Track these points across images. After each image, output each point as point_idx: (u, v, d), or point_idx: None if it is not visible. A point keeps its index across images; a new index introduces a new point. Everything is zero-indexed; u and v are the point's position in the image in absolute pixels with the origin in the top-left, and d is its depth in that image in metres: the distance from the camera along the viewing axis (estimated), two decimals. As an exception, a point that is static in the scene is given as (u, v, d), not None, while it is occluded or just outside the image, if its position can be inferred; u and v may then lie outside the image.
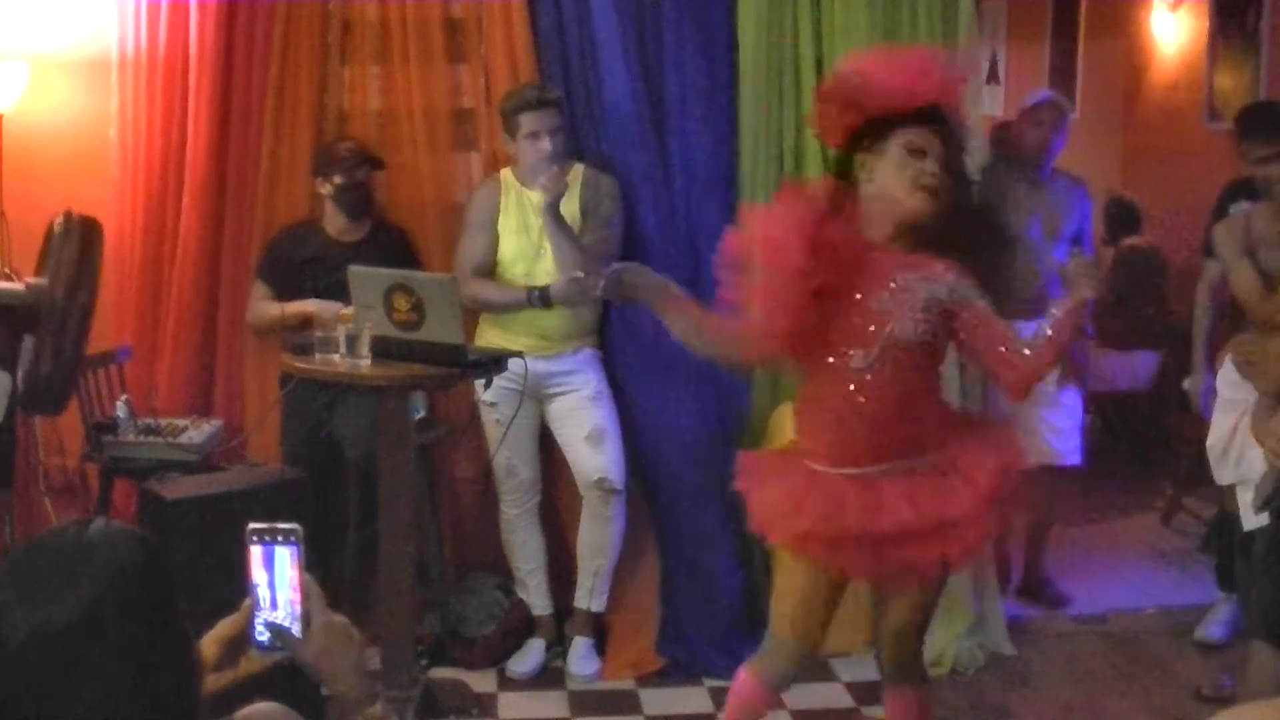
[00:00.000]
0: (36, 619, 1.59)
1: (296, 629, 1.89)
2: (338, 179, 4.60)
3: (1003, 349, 3.10)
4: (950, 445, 3.18)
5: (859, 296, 3.08)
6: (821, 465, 3.18)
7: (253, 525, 1.91)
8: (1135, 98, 7.71)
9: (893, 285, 3.08)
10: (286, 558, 1.90)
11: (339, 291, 4.18)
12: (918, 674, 3.40)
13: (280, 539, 1.90)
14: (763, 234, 3.07)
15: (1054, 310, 3.13)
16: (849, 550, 3.12)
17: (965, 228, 3.18)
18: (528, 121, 4.33)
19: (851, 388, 3.10)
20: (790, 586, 3.28)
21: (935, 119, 3.11)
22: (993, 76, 8.64)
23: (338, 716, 1.91)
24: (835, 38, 4.62)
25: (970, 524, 3.13)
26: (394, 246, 4.63)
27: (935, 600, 3.36)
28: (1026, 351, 3.09)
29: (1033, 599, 5.17)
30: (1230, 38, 6.54)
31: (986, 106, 6.69)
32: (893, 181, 3.09)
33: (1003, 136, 5.09)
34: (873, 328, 3.07)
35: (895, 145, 3.09)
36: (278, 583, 1.90)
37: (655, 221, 4.58)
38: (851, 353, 3.09)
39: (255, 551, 1.90)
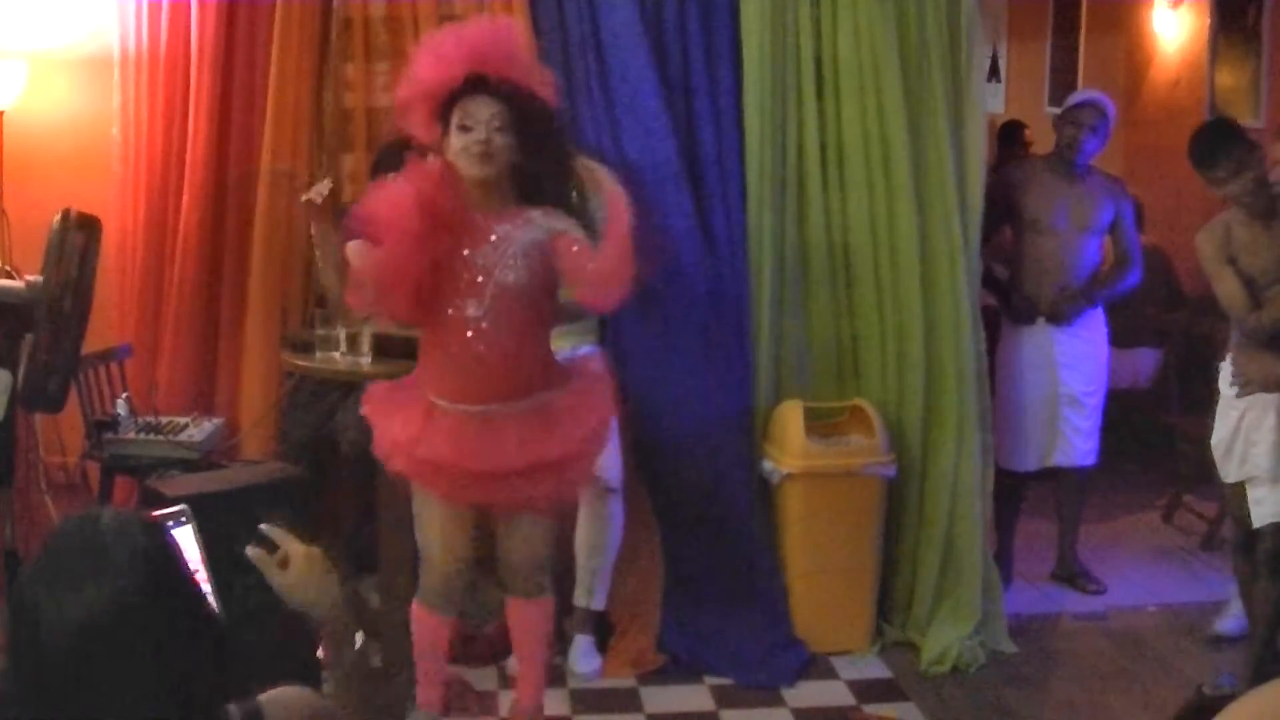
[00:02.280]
0: (77, 609, 1.62)
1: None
2: None
3: (582, 266, 3.42)
4: (556, 388, 3.54)
5: (466, 253, 3.40)
6: (444, 402, 3.47)
7: (155, 513, 2.00)
8: (1136, 95, 7.70)
9: (493, 239, 3.42)
10: (184, 538, 1.95)
11: None
12: (543, 591, 3.79)
13: (176, 523, 1.95)
14: (382, 208, 3.34)
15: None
16: (462, 482, 3.48)
17: (539, 172, 3.50)
18: None
19: (470, 334, 3.42)
20: (427, 515, 3.62)
21: (486, 86, 3.39)
22: (994, 74, 8.65)
23: (332, 647, 2.01)
24: (837, 35, 4.62)
25: (570, 465, 3.54)
26: None
27: (552, 533, 3.77)
28: (591, 265, 3.40)
29: (1070, 586, 5.26)
30: (1231, 35, 6.53)
31: (988, 104, 6.69)
32: (455, 155, 3.42)
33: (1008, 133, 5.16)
34: (481, 279, 3.40)
35: (452, 123, 3.40)
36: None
37: (663, 219, 4.57)
38: (467, 304, 3.40)
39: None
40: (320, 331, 4.20)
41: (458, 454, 3.43)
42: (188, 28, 4.70)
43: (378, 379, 3.95)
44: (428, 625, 3.77)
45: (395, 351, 3.94)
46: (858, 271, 4.74)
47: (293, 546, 2.00)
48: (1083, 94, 5.25)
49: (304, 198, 4.11)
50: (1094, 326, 5.12)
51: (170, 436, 4.46)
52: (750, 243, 4.65)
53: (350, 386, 4.37)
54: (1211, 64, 6.70)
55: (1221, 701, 1.63)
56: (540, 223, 3.46)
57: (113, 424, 4.52)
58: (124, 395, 4.61)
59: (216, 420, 4.66)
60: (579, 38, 4.57)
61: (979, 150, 4.74)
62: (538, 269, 3.44)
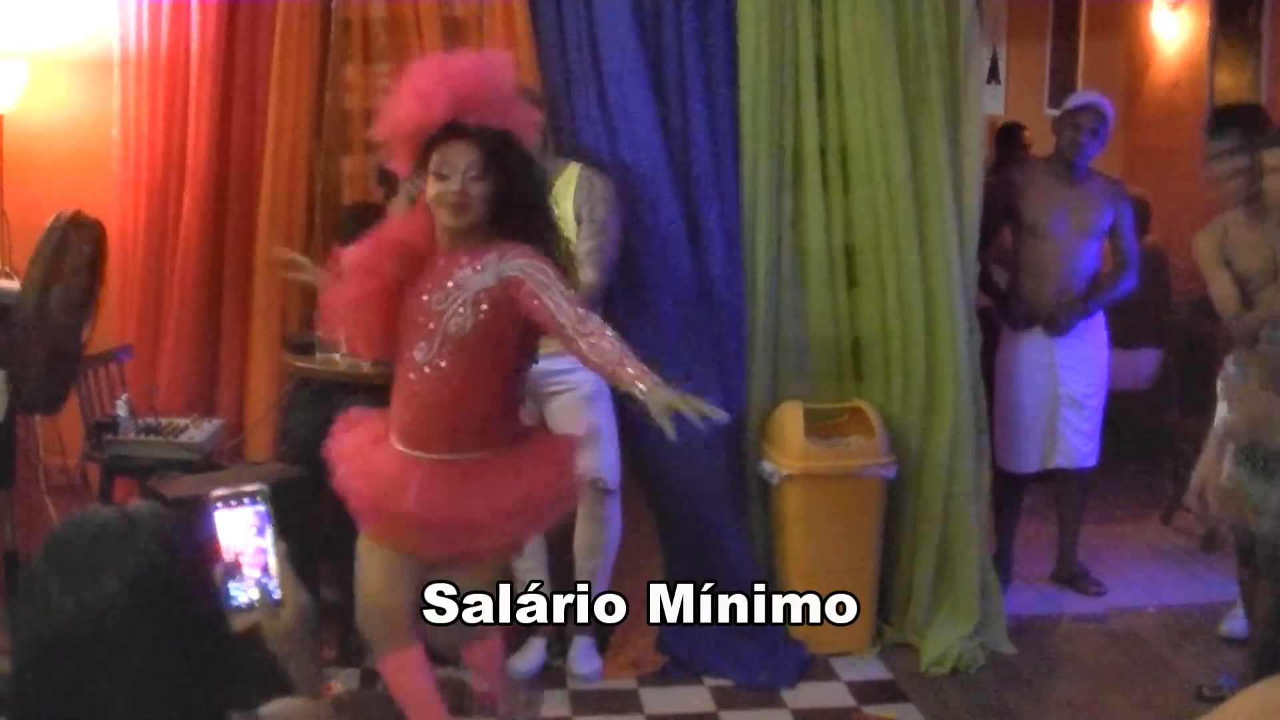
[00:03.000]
0: (90, 597, 1.60)
1: (273, 588, 1.93)
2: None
3: (563, 329, 3.22)
4: (508, 447, 3.43)
5: (424, 297, 3.36)
6: (396, 441, 3.44)
7: (216, 492, 1.94)
8: (1136, 97, 7.70)
9: (449, 284, 3.34)
10: (253, 518, 1.92)
11: None
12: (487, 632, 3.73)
13: (246, 500, 1.92)
14: (355, 248, 3.43)
15: (631, 372, 3.11)
16: (400, 529, 3.41)
17: (514, 215, 3.40)
18: None
19: (412, 377, 3.38)
20: (368, 561, 3.53)
21: (464, 132, 3.33)
22: (993, 75, 8.65)
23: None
24: (839, 37, 4.63)
25: (502, 524, 3.40)
26: None
27: (496, 574, 3.72)
28: (584, 348, 3.17)
29: (1070, 588, 5.25)
30: (1231, 37, 6.53)
31: (987, 105, 6.68)
32: (431, 201, 3.36)
33: (1007, 134, 5.17)
34: (432, 324, 3.34)
35: (430, 168, 3.34)
36: (248, 545, 1.92)
37: (658, 221, 4.58)
38: (418, 347, 3.36)
39: (222, 516, 1.93)
40: (320, 332, 4.20)
41: (397, 499, 3.35)
42: (188, 29, 4.70)
43: (378, 380, 3.96)
44: (401, 665, 3.56)
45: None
46: (859, 273, 4.75)
47: (290, 592, 1.93)
48: (1081, 96, 5.23)
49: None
50: (1094, 329, 5.12)
51: (170, 437, 4.46)
52: (744, 244, 4.66)
53: (353, 388, 4.37)
54: (1211, 65, 6.70)
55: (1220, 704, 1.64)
56: (493, 267, 3.30)
57: (113, 425, 4.52)
58: (124, 396, 4.61)
59: (217, 421, 4.67)
60: (576, 41, 4.57)
61: (977, 152, 4.73)
62: (487, 318, 3.31)
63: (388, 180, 4.59)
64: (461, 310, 3.31)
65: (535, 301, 3.24)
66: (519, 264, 3.29)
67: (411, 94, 3.34)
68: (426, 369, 3.34)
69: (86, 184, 4.73)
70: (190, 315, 4.80)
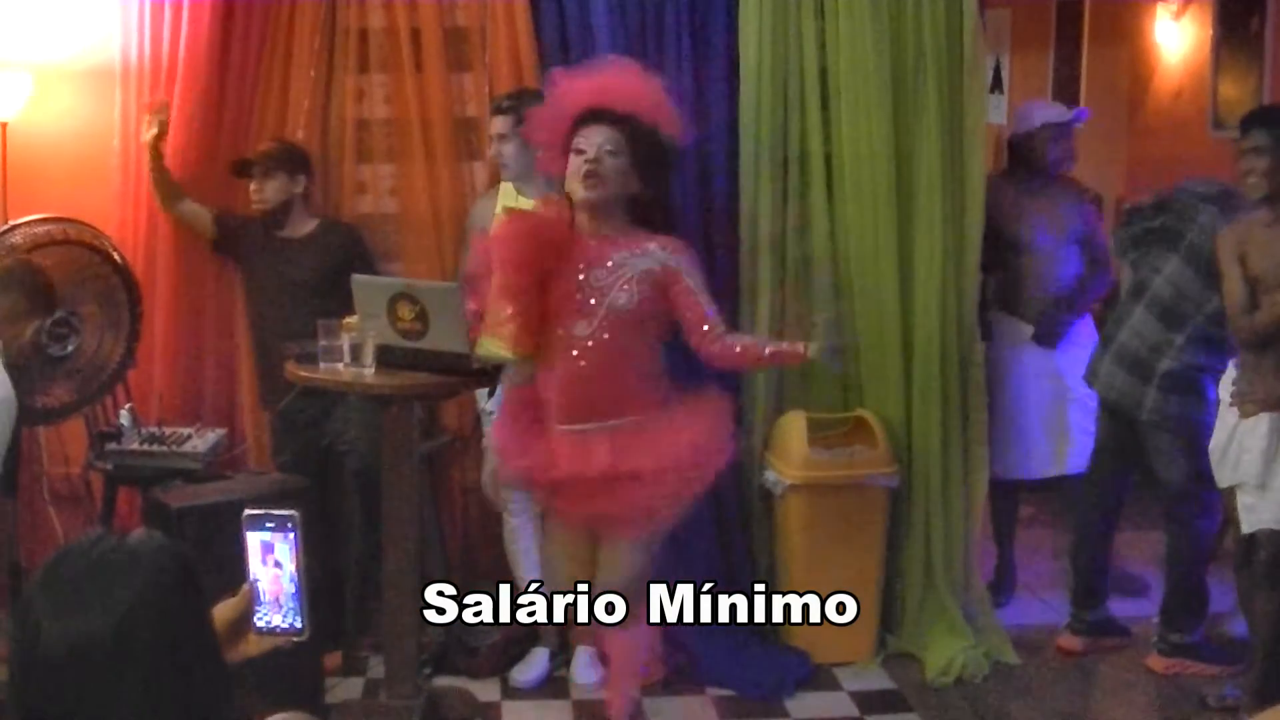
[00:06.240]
0: (74, 631, 1.58)
1: (299, 618, 1.92)
2: (306, 177, 4.65)
3: (704, 328, 3.63)
4: (662, 410, 3.65)
5: (581, 277, 3.59)
6: (552, 422, 3.67)
7: (249, 511, 1.94)
8: (1139, 106, 7.69)
9: (609, 264, 3.59)
10: (281, 542, 1.91)
11: (288, 285, 4.54)
12: (638, 617, 3.81)
13: (276, 525, 1.91)
14: (492, 244, 3.69)
15: (783, 345, 3.77)
16: (561, 495, 3.69)
17: (652, 198, 3.68)
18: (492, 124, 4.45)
19: (575, 353, 3.60)
20: (549, 534, 3.93)
21: (605, 118, 3.59)
22: (996, 85, 8.64)
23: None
24: (839, 46, 4.63)
25: (664, 478, 3.57)
26: (343, 243, 4.66)
27: (643, 561, 3.75)
28: (730, 340, 3.68)
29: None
30: (1234, 45, 6.52)
31: (990, 115, 6.66)
32: (568, 179, 3.62)
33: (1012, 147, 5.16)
34: (593, 300, 3.58)
35: (570, 147, 3.60)
36: (276, 569, 1.91)
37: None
38: (576, 324, 3.59)
39: (253, 538, 1.92)
40: (324, 342, 4.19)
41: (552, 467, 3.63)
42: (191, 39, 4.70)
43: (380, 390, 3.96)
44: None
45: (398, 362, 3.94)
46: (861, 283, 4.74)
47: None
48: (1025, 120, 5.14)
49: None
50: (1088, 330, 5.07)
51: (173, 447, 4.45)
52: (744, 252, 4.65)
53: (334, 398, 4.39)
54: (1214, 74, 6.69)
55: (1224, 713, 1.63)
56: (656, 254, 3.60)
57: (116, 435, 4.52)
58: (127, 406, 4.61)
59: (220, 431, 4.66)
60: (579, 49, 4.58)
61: (979, 162, 4.73)
62: (650, 295, 3.59)
63: (244, 172, 4.61)
64: (626, 287, 3.56)
65: (690, 299, 3.60)
66: (680, 260, 3.62)
67: (557, 92, 3.65)
68: (590, 342, 3.57)
69: (89, 193, 4.73)
70: (193, 324, 4.80)
